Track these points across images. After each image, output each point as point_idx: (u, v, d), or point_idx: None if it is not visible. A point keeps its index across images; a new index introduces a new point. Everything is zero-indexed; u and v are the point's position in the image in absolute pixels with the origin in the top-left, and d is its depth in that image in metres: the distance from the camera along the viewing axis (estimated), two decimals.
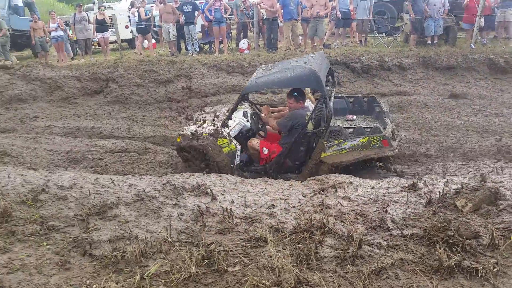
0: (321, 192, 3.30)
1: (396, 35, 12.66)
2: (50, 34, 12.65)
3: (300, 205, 3.08)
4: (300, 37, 12.45)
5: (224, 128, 5.14)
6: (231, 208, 2.96)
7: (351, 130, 5.10)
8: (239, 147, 5.08)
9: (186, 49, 12.91)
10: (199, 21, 12.66)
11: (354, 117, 5.83)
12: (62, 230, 2.70)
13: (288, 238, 2.53)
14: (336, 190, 3.30)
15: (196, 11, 12.19)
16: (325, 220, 2.64)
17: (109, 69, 9.95)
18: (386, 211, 2.85)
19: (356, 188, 3.36)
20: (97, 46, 14.38)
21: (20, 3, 14.14)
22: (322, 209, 2.93)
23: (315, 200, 3.15)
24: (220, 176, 3.89)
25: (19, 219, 2.81)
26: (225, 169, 4.93)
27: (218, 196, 3.28)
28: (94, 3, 13.35)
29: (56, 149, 6.89)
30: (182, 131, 5.36)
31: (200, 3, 12.75)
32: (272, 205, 3.08)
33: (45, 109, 9.12)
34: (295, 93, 5.12)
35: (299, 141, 4.91)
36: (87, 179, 3.60)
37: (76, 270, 2.31)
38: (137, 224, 2.79)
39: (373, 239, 2.51)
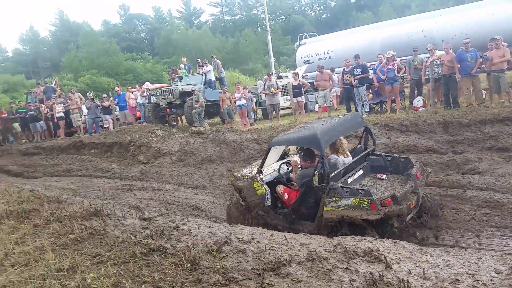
0: None
1: None
2: (235, 103, 14.50)
3: (493, 284, 2.62)
4: (484, 92, 11.24)
5: (258, 174, 5.92)
6: (407, 279, 2.72)
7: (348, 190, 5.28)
8: (269, 191, 5.81)
9: (356, 110, 13.01)
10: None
11: (385, 176, 5.94)
12: (240, 283, 2.88)
13: None
14: None
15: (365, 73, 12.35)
16: None
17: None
18: None
19: None
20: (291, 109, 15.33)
21: (213, 78, 16.67)
22: None
23: None
24: (394, 242, 3.64)
25: (205, 268, 3.13)
26: (256, 208, 5.85)
27: (392, 264, 3.05)
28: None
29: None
30: (236, 172, 6.54)
31: (371, 64, 12.89)
32: (457, 279, 2.71)
33: (229, 168, 10.27)
34: (302, 153, 5.78)
35: (307, 193, 5.44)
36: (263, 234, 3.83)
37: None
38: (308, 285, 2.79)
39: None
